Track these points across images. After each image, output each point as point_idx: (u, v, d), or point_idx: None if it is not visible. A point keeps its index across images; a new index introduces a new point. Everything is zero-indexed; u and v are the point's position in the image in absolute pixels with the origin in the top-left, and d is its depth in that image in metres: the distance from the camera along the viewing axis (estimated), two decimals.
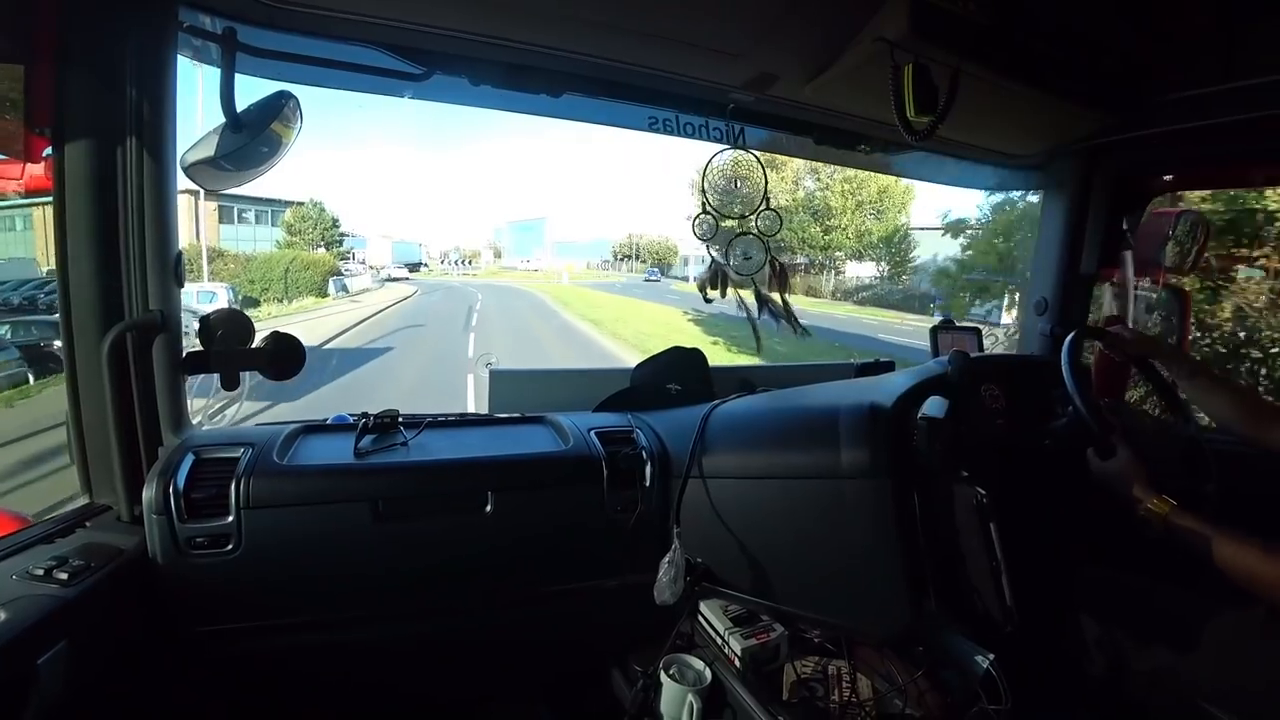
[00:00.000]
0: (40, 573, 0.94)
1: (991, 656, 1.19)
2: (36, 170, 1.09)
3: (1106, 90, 1.35)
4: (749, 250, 1.60)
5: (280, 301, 23.80)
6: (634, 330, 16.95)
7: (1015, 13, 1.16)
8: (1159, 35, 1.28)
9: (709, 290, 1.61)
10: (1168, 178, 1.82)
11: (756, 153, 1.59)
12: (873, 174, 24.95)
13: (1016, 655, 1.19)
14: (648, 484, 1.39)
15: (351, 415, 1.46)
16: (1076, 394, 1.30)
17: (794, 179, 31.30)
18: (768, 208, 1.58)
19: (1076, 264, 1.88)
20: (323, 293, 25.91)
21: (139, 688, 1.10)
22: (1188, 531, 1.11)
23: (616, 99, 1.48)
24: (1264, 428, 1.28)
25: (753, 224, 1.58)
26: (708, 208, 1.54)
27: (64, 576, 0.94)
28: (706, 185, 1.56)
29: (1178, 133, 1.56)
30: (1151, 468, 1.24)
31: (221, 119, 1.13)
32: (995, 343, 5.30)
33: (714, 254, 1.59)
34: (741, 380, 1.81)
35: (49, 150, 1.07)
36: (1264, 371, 3.73)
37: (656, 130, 1.59)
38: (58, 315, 1.14)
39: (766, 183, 1.57)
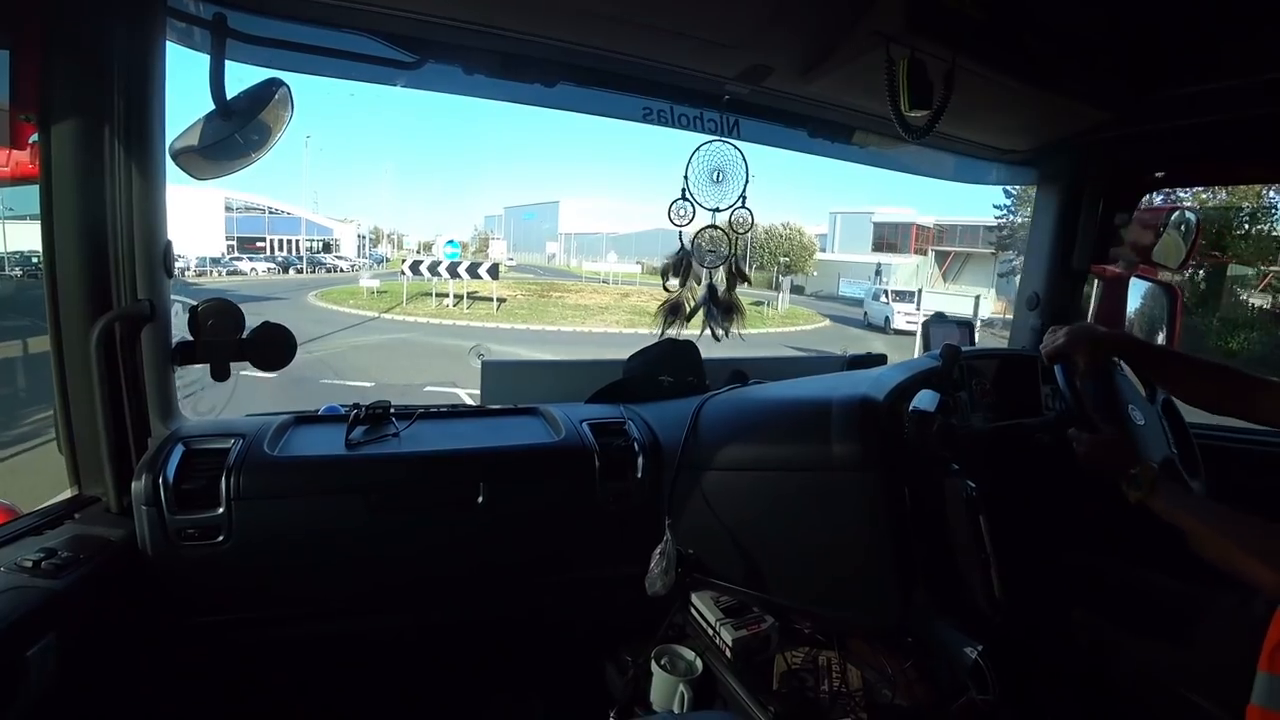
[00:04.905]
0: (29, 564, 0.93)
1: (980, 647, 1.20)
2: (22, 156, 1.08)
3: (1100, 86, 1.35)
4: (716, 244, 1.62)
5: None
6: None
7: (1010, 8, 1.16)
8: (1152, 32, 1.28)
9: (671, 277, 1.63)
10: (1160, 174, 1.83)
11: (742, 147, 1.59)
12: None
13: (1005, 646, 1.21)
14: (639, 475, 1.39)
15: (343, 406, 1.46)
16: (1067, 389, 1.31)
17: None
18: (743, 205, 1.59)
19: (1069, 259, 1.89)
20: None
21: (130, 679, 1.10)
22: (1173, 499, 1.08)
23: (611, 89, 1.47)
24: (1249, 403, 1.22)
25: (726, 218, 1.60)
26: (687, 194, 1.55)
27: (52, 568, 0.93)
28: (690, 172, 1.56)
29: (1170, 129, 1.56)
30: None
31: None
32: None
33: (684, 243, 1.61)
34: (734, 372, 1.81)
35: (35, 136, 1.06)
36: None
37: (651, 121, 1.59)
38: None
39: (747, 181, 1.58)
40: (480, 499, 1.27)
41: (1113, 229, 1.84)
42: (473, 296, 20.75)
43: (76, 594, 0.94)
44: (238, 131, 1.14)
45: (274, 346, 1.27)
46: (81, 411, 1.13)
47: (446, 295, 20.43)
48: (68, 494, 1.19)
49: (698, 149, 1.57)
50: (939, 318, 2.13)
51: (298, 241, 45.26)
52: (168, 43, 1.12)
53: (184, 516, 1.10)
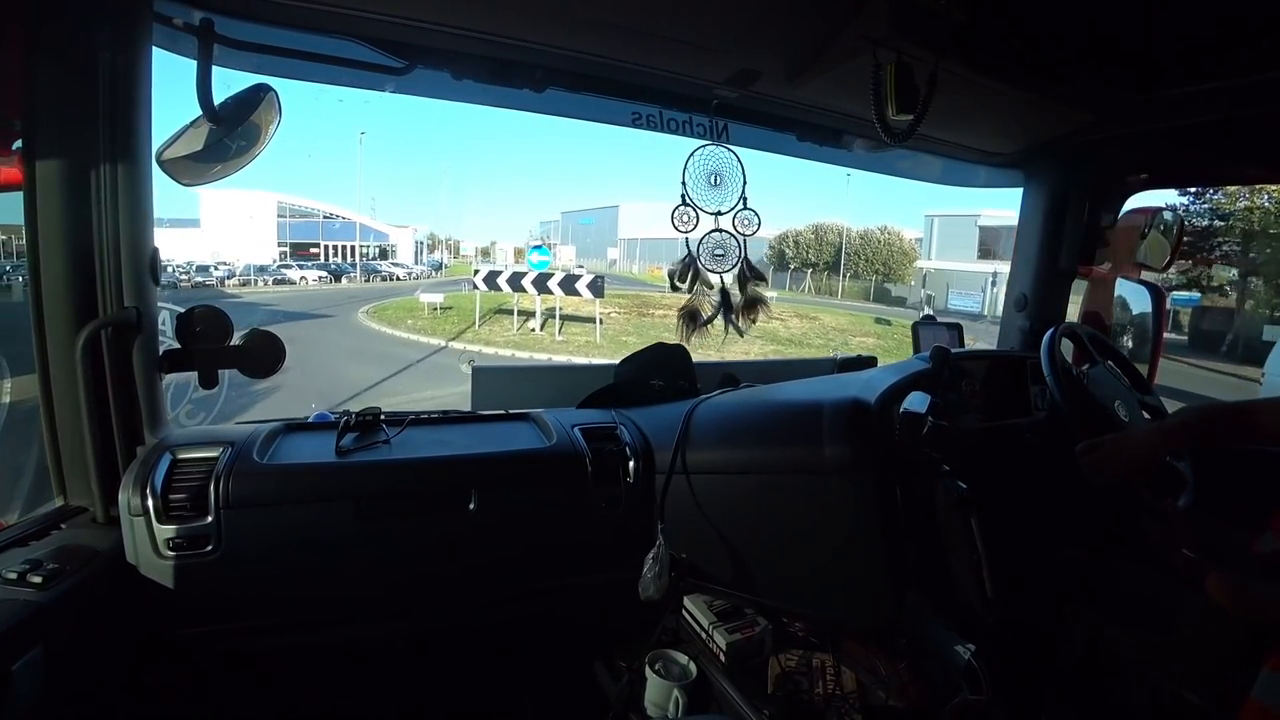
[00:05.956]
0: (13, 576, 0.91)
1: (973, 647, 1.20)
2: (7, 163, 1.07)
3: (1085, 89, 1.37)
4: (722, 246, 1.61)
5: None
6: None
7: (995, 11, 1.17)
8: (1138, 35, 1.30)
9: (677, 282, 1.62)
10: (1144, 176, 1.85)
11: (737, 150, 1.59)
12: None
13: (998, 645, 1.21)
14: (631, 480, 1.39)
15: (333, 413, 1.45)
16: (1056, 389, 1.32)
17: None
18: (745, 206, 1.58)
19: (1055, 261, 1.90)
20: None
21: (119, 692, 1.09)
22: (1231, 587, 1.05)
23: (600, 94, 1.48)
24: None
25: (729, 221, 1.59)
26: (687, 199, 1.55)
27: (38, 580, 0.92)
28: (687, 177, 1.56)
29: (1156, 132, 1.58)
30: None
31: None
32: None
33: (690, 247, 1.60)
34: (725, 375, 1.82)
35: (19, 143, 1.05)
36: None
37: (640, 126, 1.59)
38: None
39: (745, 181, 1.58)
40: (472, 505, 1.27)
41: (1099, 230, 1.86)
42: (562, 315, 15.71)
43: (63, 606, 0.93)
44: (225, 137, 1.13)
45: (262, 354, 1.27)
46: (67, 420, 1.11)
47: (531, 314, 15.56)
48: (55, 504, 1.17)
49: (692, 154, 1.56)
50: (928, 320, 2.14)
51: (353, 247, 41.39)
52: (154, 48, 1.11)
53: (172, 526, 1.09)
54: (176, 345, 1.23)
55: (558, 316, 15.43)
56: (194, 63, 1.12)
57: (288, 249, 38.92)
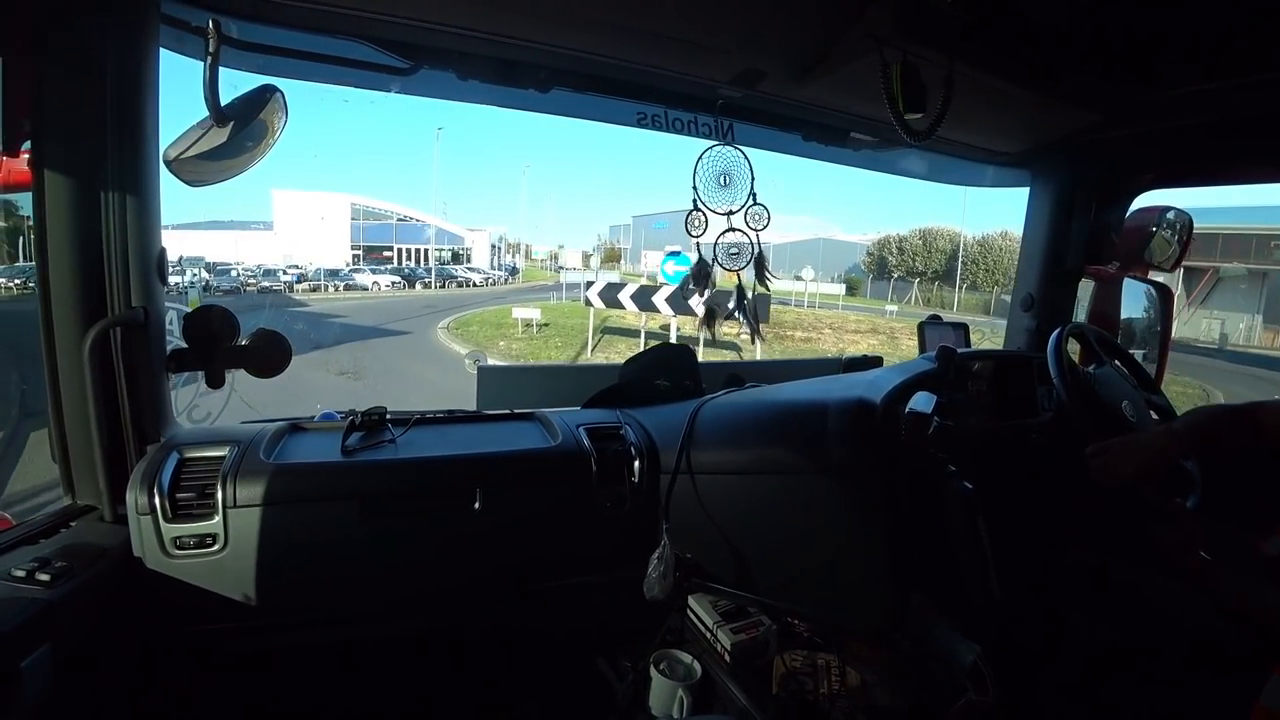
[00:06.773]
0: (22, 574, 0.92)
1: (978, 648, 1.20)
2: (16, 164, 1.07)
3: (1091, 88, 1.36)
4: (737, 245, 1.61)
5: None
6: None
7: (1001, 10, 1.17)
8: (1144, 33, 1.29)
9: (692, 286, 1.62)
10: (1152, 175, 1.84)
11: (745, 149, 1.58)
12: None
13: (1003, 646, 1.21)
14: (636, 480, 1.39)
15: (339, 412, 1.45)
16: (1062, 389, 1.31)
17: None
18: (755, 202, 1.58)
19: (1062, 261, 1.89)
20: None
21: (128, 689, 1.09)
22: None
23: (605, 94, 1.48)
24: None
25: (741, 219, 1.59)
26: (699, 204, 1.54)
27: (46, 578, 0.92)
28: (698, 181, 1.55)
29: (1162, 130, 1.57)
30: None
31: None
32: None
33: (702, 250, 1.59)
34: (730, 376, 1.81)
35: (29, 143, 1.05)
36: None
37: (645, 126, 1.59)
38: None
39: (753, 177, 1.57)
40: (476, 504, 1.27)
41: (1106, 230, 1.85)
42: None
43: (72, 604, 0.93)
44: (232, 138, 1.14)
45: (270, 353, 1.27)
46: (74, 419, 1.12)
47: (662, 336, 11.81)
48: (63, 503, 1.18)
49: (700, 157, 1.56)
50: (934, 319, 2.14)
51: (426, 251, 40.34)
52: (161, 49, 1.12)
53: (179, 525, 1.10)
54: (184, 345, 1.23)
55: (701, 345, 10.62)
56: (201, 64, 1.13)
57: (361, 252, 38.61)
